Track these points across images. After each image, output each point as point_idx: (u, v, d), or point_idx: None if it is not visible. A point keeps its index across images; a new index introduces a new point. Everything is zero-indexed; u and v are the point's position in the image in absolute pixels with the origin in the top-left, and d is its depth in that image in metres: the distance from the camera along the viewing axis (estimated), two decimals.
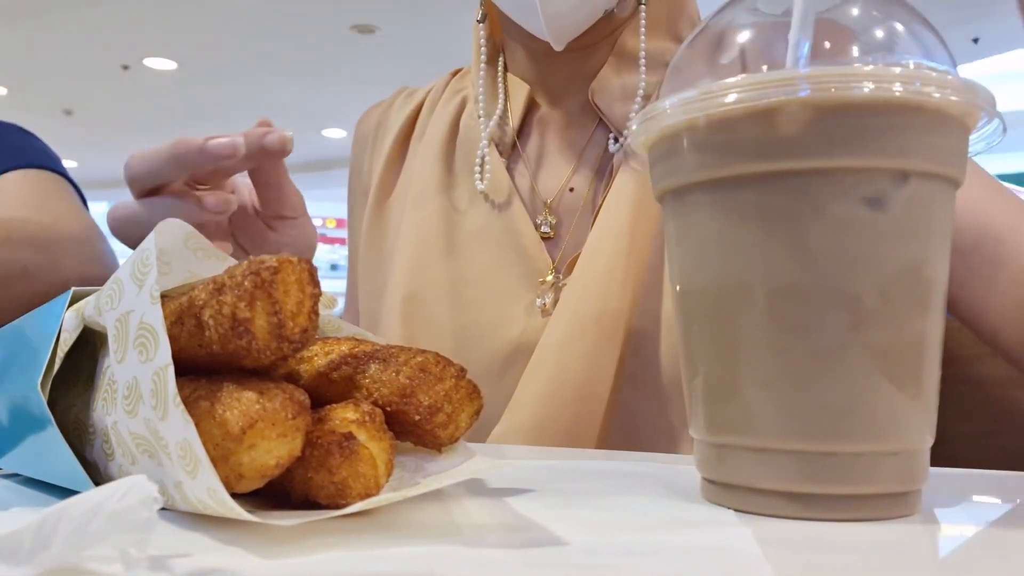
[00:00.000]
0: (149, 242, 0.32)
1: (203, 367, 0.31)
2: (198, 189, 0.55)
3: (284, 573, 0.25)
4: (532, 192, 0.68)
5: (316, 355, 0.37)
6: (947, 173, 0.32)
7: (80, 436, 0.35)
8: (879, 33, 0.35)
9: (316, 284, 0.30)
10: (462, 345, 0.64)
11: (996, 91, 0.33)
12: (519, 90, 0.71)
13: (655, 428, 0.60)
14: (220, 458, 0.28)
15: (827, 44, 0.33)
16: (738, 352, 0.32)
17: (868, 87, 0.29)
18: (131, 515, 0.22)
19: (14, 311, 0.48)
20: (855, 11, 0.35)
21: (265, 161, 0.53)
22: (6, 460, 0.39)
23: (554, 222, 0.66)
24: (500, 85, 0.72)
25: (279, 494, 0.32)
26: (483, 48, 0.72)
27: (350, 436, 0.31)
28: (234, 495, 0.27)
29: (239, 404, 0.29)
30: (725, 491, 0.34)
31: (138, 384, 0.30)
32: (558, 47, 0.63)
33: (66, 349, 0.35)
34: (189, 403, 0.29)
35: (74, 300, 0.37)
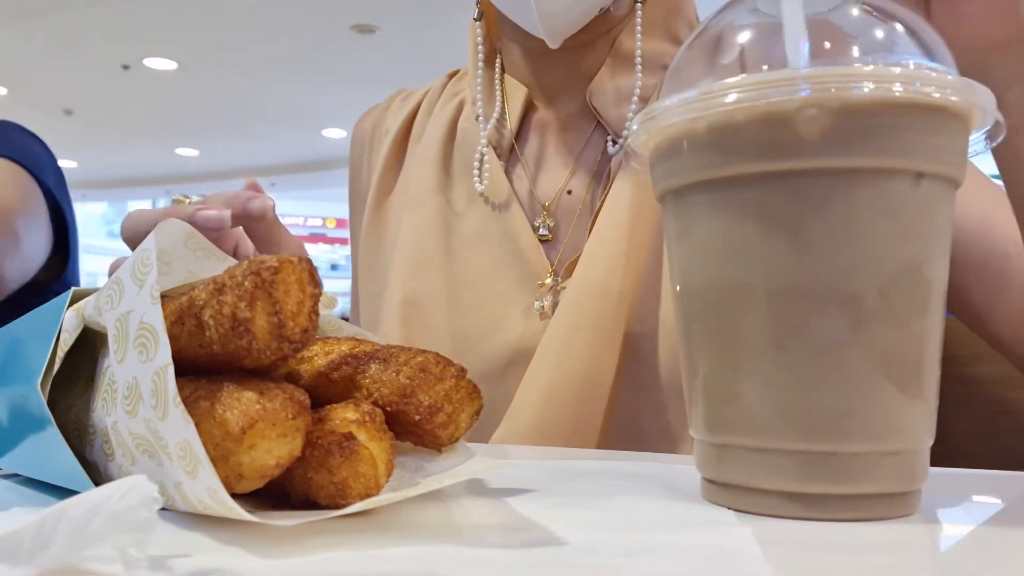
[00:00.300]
0: (149, 242, 0.32)
1: (203, 367, 0.31)
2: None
3: (284, 573, 0.25)
4: (530, 195, 0.68)
5: (316, 355, 0.37)
6: (947, 173, 0.32)
7: (80, 436, 0.35)
8: (879, 33, 0.35)
9: (316, 284, 0.30)
10: (460, 349, 0.64)
11: None
12: (516, 92, 0.71)
13: (655, 430, 0.60)
14: (220, 458, 0.28)
15: (827, 44, 0.33)
16: (738, 352, 0.32)
17: (868, 87, 0.29)
18: (131, 515, 0.22)
19: None
20: (855, 11, 0.35)
21: (249, 223, 0.54)
22: (6, 460, 0.39)
23: (552, 225, 0.66)
24: (498, 87, 0.72)
25: (279, 494, 0.32)
26: (480, 48, 0.72)
27: (350, 436, 0.31)
28: (234, 495, 0.27)
29: (239, 404, 0.29)
30: (725, 491, 0.34)
31: (138, 384, 0.30)
32: (553, 45, 0.63)
33: (66, 349, 0.35)
34: (189, 403, 0.29)
35: (74, 300, 0.37)
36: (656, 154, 0.36)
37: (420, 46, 5.17)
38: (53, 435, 0.33)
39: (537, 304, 0.63)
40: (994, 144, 0.34)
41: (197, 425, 0.28)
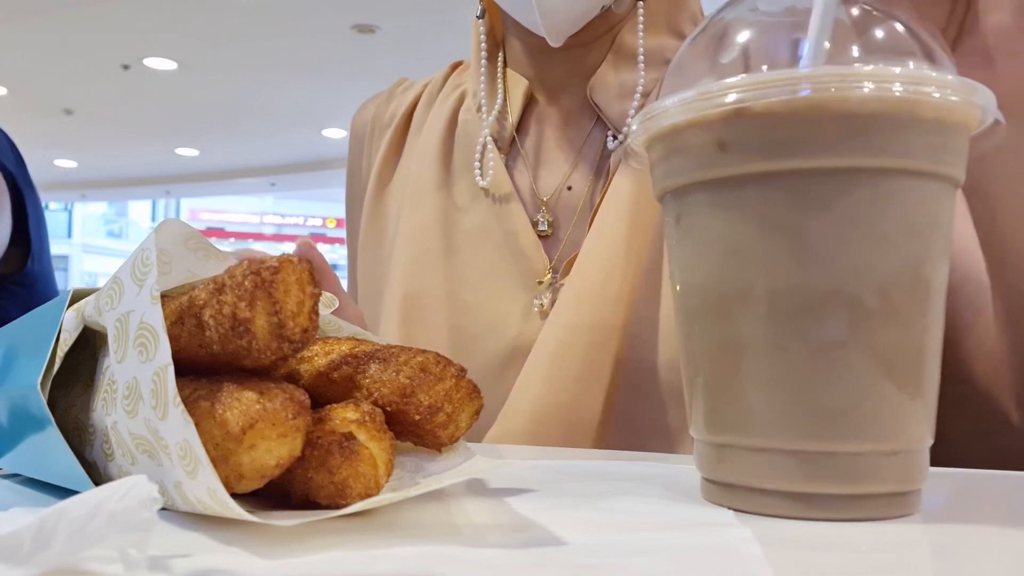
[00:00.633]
0: (149, 242, 0.32)
1: (203, 367, 0.31)
2: None
3: (284, 573, 0.25)
4: (531, 190, 0.68)
5: (316, 355, 0.37)
6: (947, 173, 0.32)
7: (80, 436, 0.35)
8: (879, 33, 0.35)
9: (316, 284, 0.30)
10: (459, 347, 0.64)
11: None
12: (518, 85, 0.70)
13: (652, 432, 0.59)
14: (220, 458, 0.28)
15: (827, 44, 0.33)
16: (738, 352, 0.32)
17: (868, 87, 0.30)
18: (131, 515, 0.22)
19: None
20: (855, 11, 0.35)
21: None
22: (6, 460, 0.39)
23: (551, 220, 0.66)
24: (499, 80, 0.71)
25: (279, 494, 0.32)
26: (483, 45, 0.71)
27: (350, 436, 0.31)
28: (234, 495, 0.27)
29: (239, 404, 0.29)
30: (725, 491, 0.34)
31: (138, 384, 0.30)
32: (555, 44, 0.63)
33: (66, 349, 0.35)
34: (189, 403, 0.29)
35: (74, 300, 0.37)
36: (656, 154, 0.36)
37: (420, 46, 5.17)
38: (53, 435, 0.33)
39: (536, 302, 0.63)
40: (994, 144, 0.34)
41: (197, 425, 0.28)
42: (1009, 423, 0.61)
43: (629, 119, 0.66)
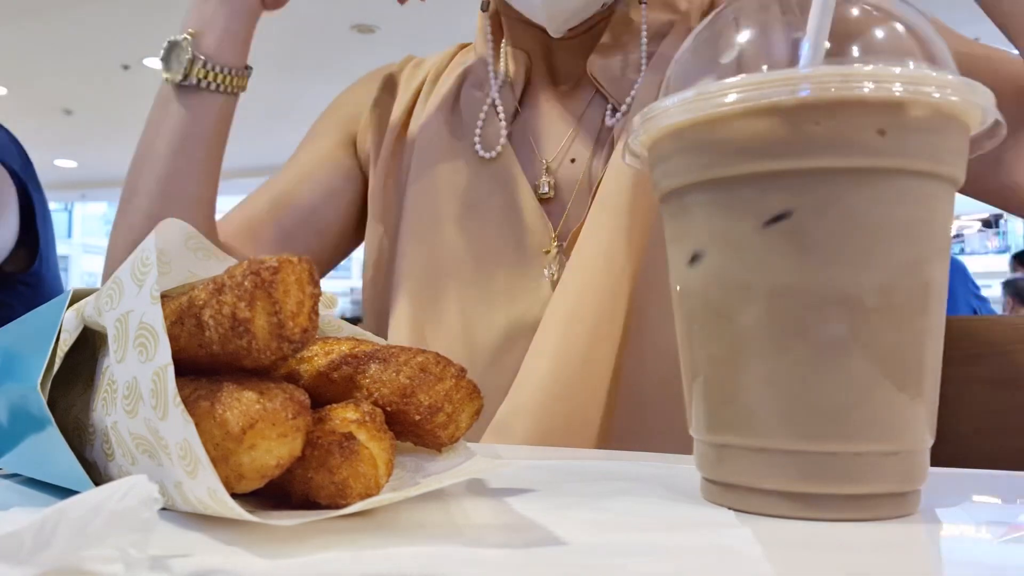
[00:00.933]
0: (149, 242, 0.32)
1: (203, 367, 0.31)
2: None
3: (284, 573, 0.25)
4: (533, 156, 0.68)
5: (316, 355, 0.37)
6: (947, 173, 0.32)
7: (80, 436, 0.35)
8: (879, 33, 0.35)
9: (316, 284, 0.30)
10: (469, 320, 0.64)
11: None
12: (519, 60, 0.71)
13: (661, 401, 0.60)
14: (220, 458, 0.28)
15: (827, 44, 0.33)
16: (738, 352, 0.32)
17: (868, 87, 0.29)
18: (131, 515, 0.22)
19: None
20: (855, 11, 0.35)
21: None
22: (6, 460, 0.39)
23: (552, 183, 0.67)
24: (503, 55, 0.72)
25: (279, 494, 0.32)
26: (489, 38, 0.72)
27: (350, 436, 0.31)
28: (234, 495, 0.27)
29: (239, 404, 0.29)
30: (725, 491, 0.34)
31: (138, 384, 0.30)
32: (555, 34, 0.64)
33: (66, 349, 0.35)
34: (189, 403, 0.29)
35: (74, 300, 0.37)
36: (656, 154, 0.36)
37: (420, 46, 5.16)
38: (53, 435, 0.33)
39: (546, 272, 0.64)
40: (993, 145, 0.34)
41: (197, 425, 0.27)
42: (1010, 423, 0.61)
43: (632, 94, 0.66)
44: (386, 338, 0.55)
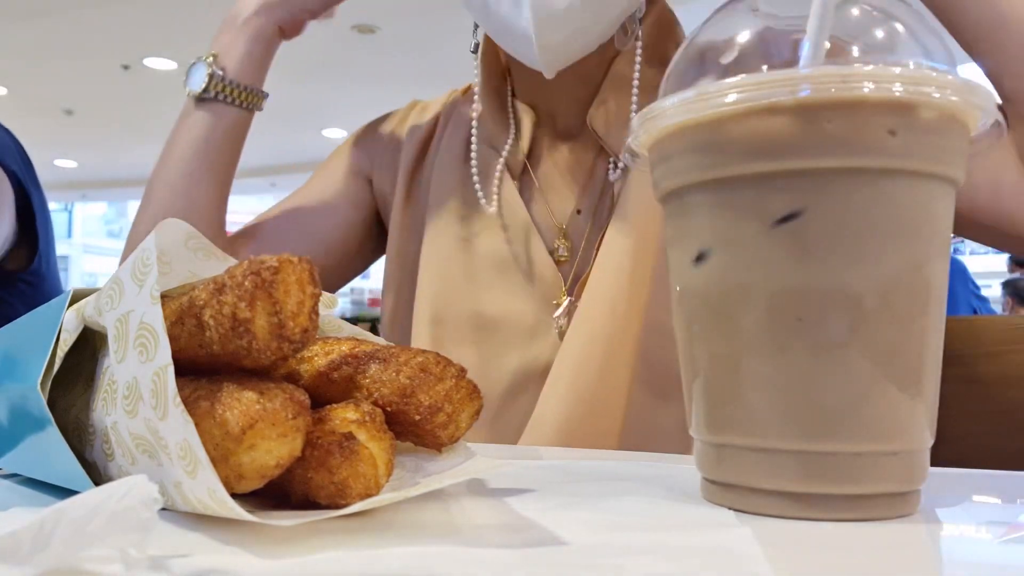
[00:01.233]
0: (149, 242, 0.32)
1: (203, 367, 0.31)
2: None
3: (284, 573, 0.25)
4: (547, 216, 0.71)
5: (316, 355, 0.37)
6: (947, 173, 0.32)
7: (80, 436, 0.35)
8: (879, 33, 0.35)
9: (316, 284, 0.30)
10: (484, 366, 0.67)
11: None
12: (526, 115, 0.73)
13: (673, 431, 0.62)
14: (220, 458, 0.28)
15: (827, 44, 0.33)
16: (738, 352, 0.32)
17: (868, 87, 0.29)
18: (131, 515, 0.22)
19: None
20: (855, 11, 0.35)
21: None
22: (6, 460, 0.39)
23: (569, 245, 0.70)
24: (509, 109, 0.74)
25: (279, 494, 0.32)
26: (483, 77, 0.74)
27: (350, 436, 0.31)
28: (234, 495, 0.27)
29: (239, 404, 0.29)
30: (725, 491, 0.34)
31: (138, 384, 0.30)
32: (549, 75, 0.65)
33: (66, 349, 0.35)
34: (189, 403, 0.29)
35: (74, 300, 0.37)
36: (656, 155, 0.36)
37: (420, 46, 5.17)
38: (53, 435, 0.33)
39: (556, 324, 0.67)
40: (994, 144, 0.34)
41: (197, 425, 0.27)
42: (1010, 423, 0.62)
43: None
44: None
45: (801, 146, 0.30)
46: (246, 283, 0.29)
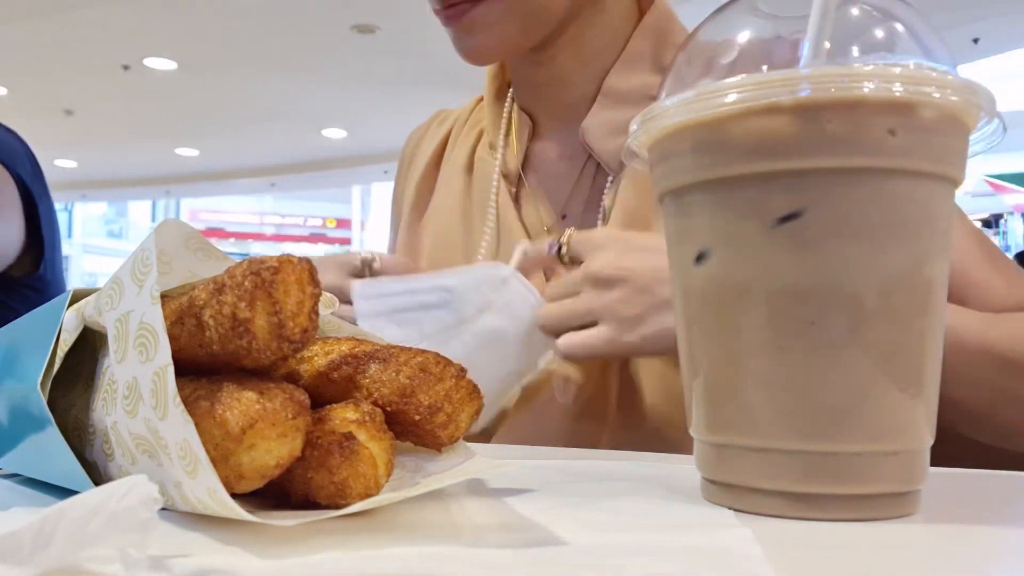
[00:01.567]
0: (149, 242, 0.32)
1: (203, 367, 0.31)
2: None
3: (284, 573, 0.25)
4: (536, 220, 0.72)
5: (316, 355, 0.37)
6: (947, 173, 0.32)
7: (80, 436, 0.35)
8: (879, 33, 0.35)
9: (316, 284, 0.30)
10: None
11: (996, 91, 0.33)
12: (523, 123, 0.76)
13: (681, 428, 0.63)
14: (220, 458, 0.28)
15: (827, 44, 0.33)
16: (738, 352, 0.32)
17: (868, 87, 0.30)
18: (131, 515, 0.22)
19: None
20: (855, 11, 0.35)
21: None
22: (6, 460, 0.39)
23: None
24: (505, 118, 0.77)
25: (279, 494, 0.32)
26: (492, 82, 0.78)
27: (350, 436, 0.31)
28: (234, 495, 0.27)
29: (239, 404, 0.29)
30: (725, 491, 0.34)
31: (138, 384, 0.30)
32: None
33: (66, 349, 0.35)
34: (189, 403, 0.29)
35: (74, 300, 0.37)
36: (656, 154, 0.36)
37: (420, 46, 5.17)
38: (53, 435, 0.33)
39: None
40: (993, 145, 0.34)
41: (197, 425, 0.27)
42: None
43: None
44: None
45: (801, 146, 0.30)
46: (246, 283, 0.29)
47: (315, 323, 0.30)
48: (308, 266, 0.30)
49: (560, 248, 0.59)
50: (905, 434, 0.32)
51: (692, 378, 0.35)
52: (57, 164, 9.34)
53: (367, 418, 0.32)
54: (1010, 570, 0.28)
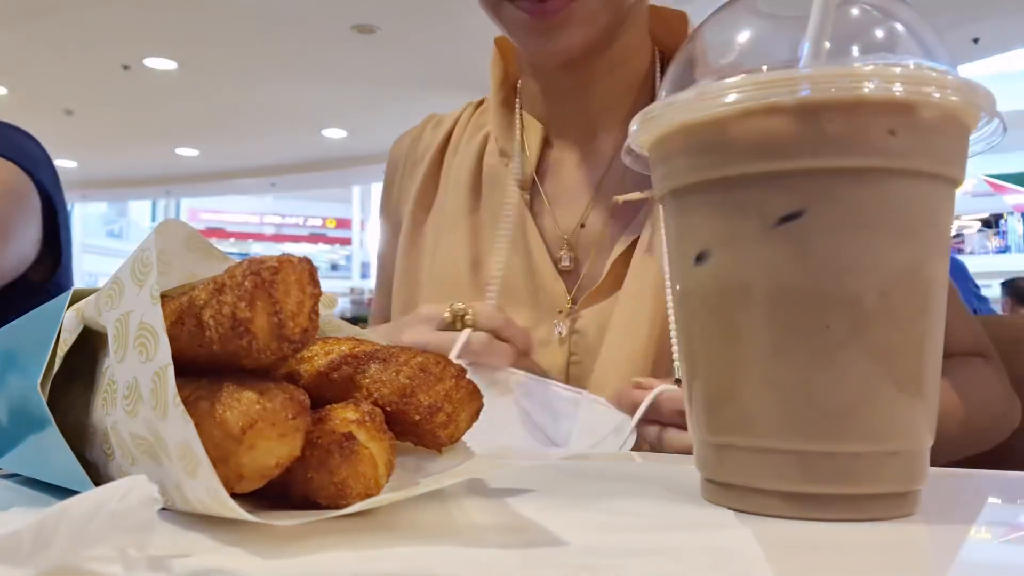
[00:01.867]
0: (149, 242, 0.32)
1: (203, 367, 0.31)
2: None
3: (284, 573, 0.25)
4: (553, 228, 0.72)
5: (316, 355, 0.37)
6: (947, 173, 0.32)
7: (80, 436, 0.35)
8: (879, 33, 0.35)
9: (316, 284, 0.30)
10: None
11: (996, 91, 0.33)
12: (534, 130, 0.75)
13: None
14: (220, 458, 0.28)
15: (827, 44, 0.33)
16: (738, 352, 0.32)
17: (869, 87, 0.29)
18: (131, 515, 0.22)
19: None
20: (855, 11, 0.35)
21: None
22: (6, 460, 0.39)
23: (573, 256, 0.71)
24: (517, 123, 0.76)
25: (279, 494, 0.32)
26: (490, 91, 0.77)
27: (350, 436, 0.31)
28: (234, 495, 0.27)
29: (239, 404, 0.29)
30: (725, 491, 0.34)
31: (138, 384, 0.30)
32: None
33: (66, 349, 0.35)
34: (189, 403, 0.29)
35: (74, 300, 0.37)
36: (656, 154, 0.36)
37: (420, 46, 5.17)
38: (53, 435, 0.33)
39: (556, 330, 0.68)
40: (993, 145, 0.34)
41: (197, 425, 0.27)
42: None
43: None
44: None
45: (801, 146, 0.30)
46: (246, 283, 0.29)
47: (315, 323, 0.30)
48: (308, 266, 0.30)
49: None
50: (905, 434, 0.32)
51: (692, 378, 0.35)
52: (57, 164, 9.33)
53: (367, 418, 0.32)
54: (1010, 570, 0.28)
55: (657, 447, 0.54)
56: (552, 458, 0.49)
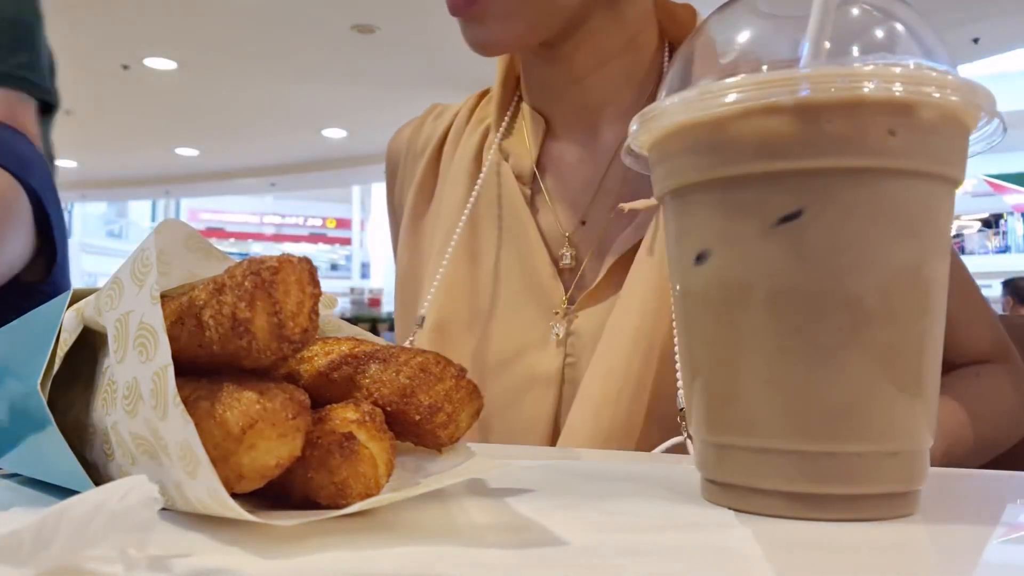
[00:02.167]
0: (149, 242, 0.32)
1: (203, 367, 0.31)
2: None
3: (284, 573, 0.25)
4: (553, 225, 0.71)
5: (316, 355, 0.37)
6: (947, 173, 0.32)
7: (80, 436, 0.35)
8: (879, 33, 0.35)
9: (316, 284, 0.30)
10: (482, 374, 0.67)
11: (996, 91, 0.33)
12: (536, 124, 0.74)
13: None
14: (220, 458, 0.28)
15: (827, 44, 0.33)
16: (738, 352, 0.32)
17: (868, 87, 0.29)
18: (131, 515, 0.22)
19: None
20: (855, 11, 0.35)
21: None
22: (6, 460, 0.39)
23: (574, 254, 0.69)
24: (519, 118, 0.75)
25: (279, 494, 0.32)
26: (495, 84, 0.76)
27: (350, 436, 0.31)
28: (234, 495, 0.27)
29: (239, 404, 0.29)
30: (725, 491, 0.34)
31: (138, 384, 0.30)
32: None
33: (66, 349, 0.35)
34: (189, 403, 0.29)
35: (74, 300, 0.37)
36: (656, 154, 0.36)
37: (420, 46, 5.17)
38: (53, 435, 0.33)
39: (553, 331, 0.66)
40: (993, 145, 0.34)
41: (197, 425, 0.27)
42: None
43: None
44: None
45: (801, 146, 0.30)
46: (246, 283, 0.29)
47: (315, 323, 0.30)
48: (308, 266, 0.30)
49: None
50: (905, 434, 0.32)
51: (692, 378, 0.35)
52: (57, 164, 9.34)
53: (367, 418, 0.32)
54: (1009, 570, 0.28)
55: None
56: (552, 458, 0.49)
